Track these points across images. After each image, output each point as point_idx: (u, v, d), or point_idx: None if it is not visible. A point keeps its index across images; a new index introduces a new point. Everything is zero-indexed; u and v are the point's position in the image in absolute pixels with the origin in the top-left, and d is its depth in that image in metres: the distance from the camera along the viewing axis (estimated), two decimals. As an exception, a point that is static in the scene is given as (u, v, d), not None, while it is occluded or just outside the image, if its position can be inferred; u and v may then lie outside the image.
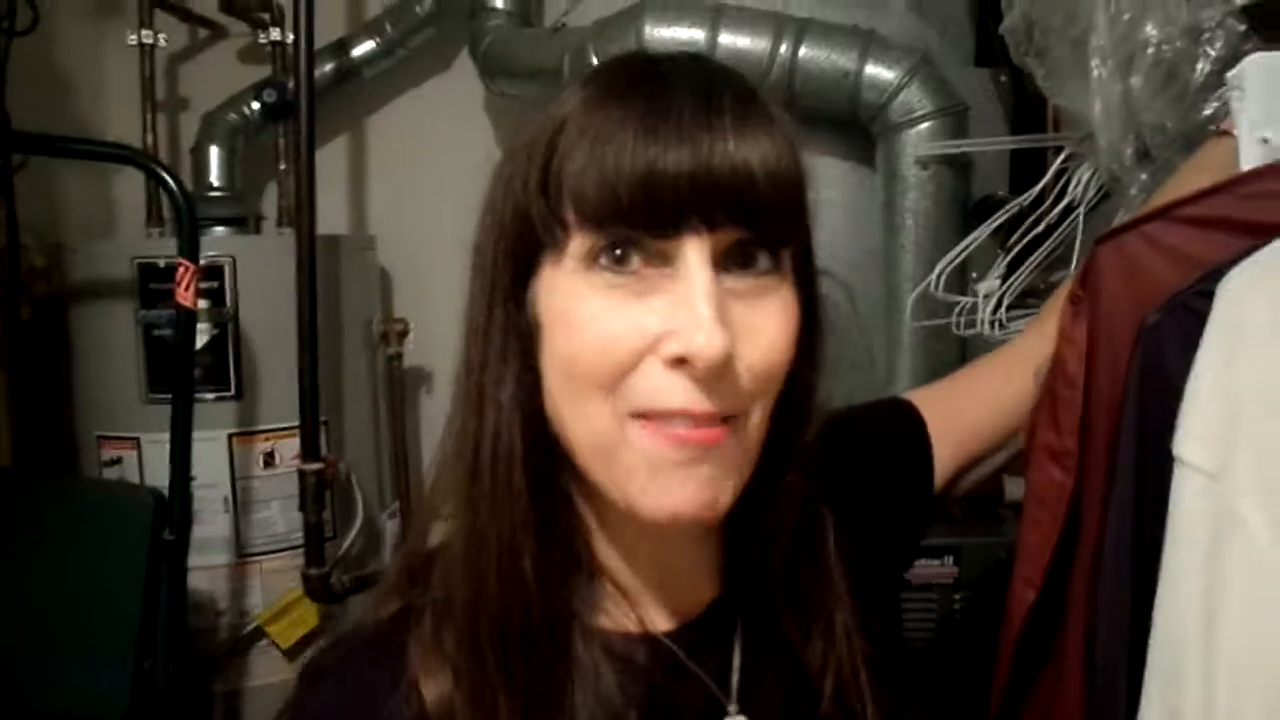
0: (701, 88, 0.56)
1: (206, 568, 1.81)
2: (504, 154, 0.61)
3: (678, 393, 0.54)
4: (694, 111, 0.54)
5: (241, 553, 1.84)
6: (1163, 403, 0.70)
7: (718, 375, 0.54)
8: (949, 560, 1.46)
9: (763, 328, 0.56)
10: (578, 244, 0.55)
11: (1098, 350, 0.75)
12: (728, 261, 0.56)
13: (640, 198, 0.53)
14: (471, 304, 0.61)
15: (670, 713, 0.62)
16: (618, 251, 0.55)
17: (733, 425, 0.56)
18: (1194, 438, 0.67)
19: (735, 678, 0.65)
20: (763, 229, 0.55)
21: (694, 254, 0.54)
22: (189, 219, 1.45)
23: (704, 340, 0.52)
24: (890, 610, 0.77)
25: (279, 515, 1.86)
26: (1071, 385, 0.74)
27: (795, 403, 0.61)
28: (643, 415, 0.55)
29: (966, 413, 0.83)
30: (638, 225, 0.54)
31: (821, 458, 0.66)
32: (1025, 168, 1.56)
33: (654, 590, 0.65)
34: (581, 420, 0.57)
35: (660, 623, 0.65)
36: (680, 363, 0.53)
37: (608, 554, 0.64)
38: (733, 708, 0.64)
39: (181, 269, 1.44)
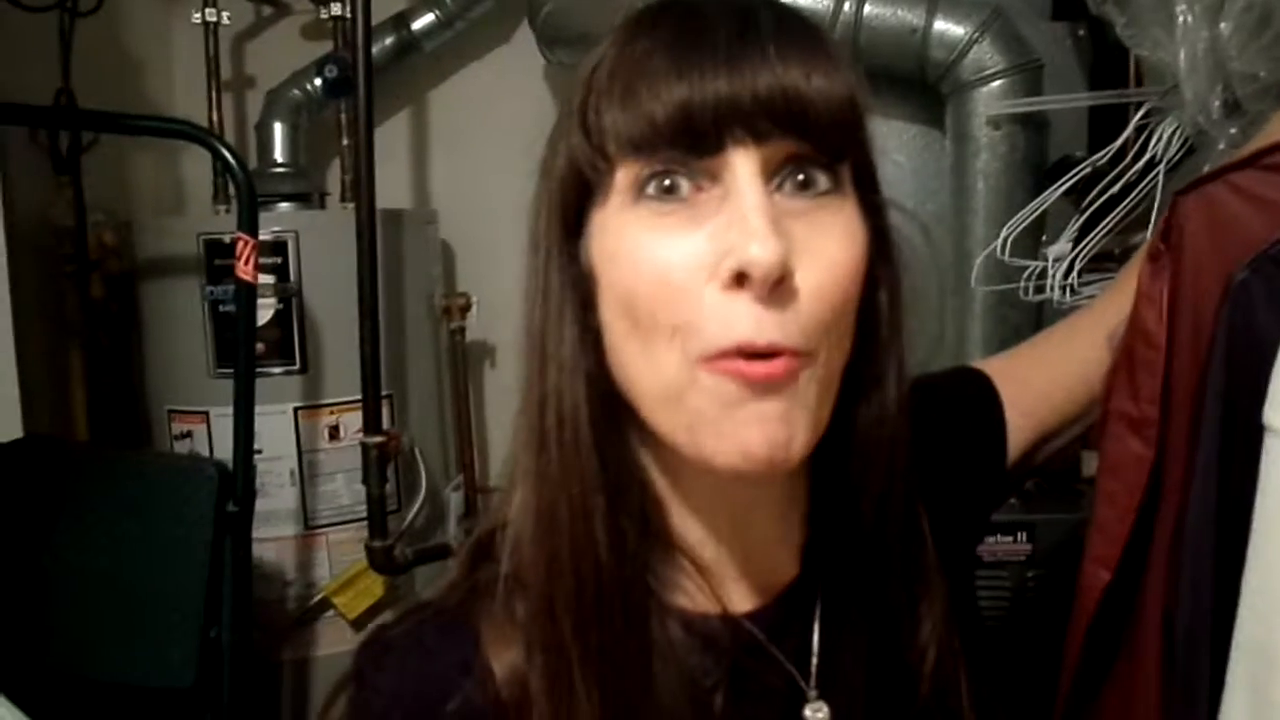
0: (736, 11, 0.54)
1: (274, 539, 1.84)
2: (559, 115, 0.60)
3: (742, 321, 0.51)
4: (729, 30, 0.53)
5: (308, 524, 1.87)
6: (1252, 367, 0.65)
7: (778, 292, 0.51)
8: (1022, 537, 1.42)
9: (824, 249, 0.53)
10: (622, 177, 0.54)
11: (1180, 311, 0.70)
12: (782, 180, 0.53)
13: (677, 115, 0.52)
14: (528, 268, 0.60)
15: (752, 696, 0.60)
16: (666, 182, 0.53)
17: (803, 361, 0.53)
18: (1287, 405, 0.62)
19: (815, 661, 0.62)
20: (814, 138, 0.53)
21: (742, 167, 0.52)
22: (248, 193, 1.46)
23: (758, 249, 0.50)
24: (967, 589, 0.74)
25: (344, 488, 1.88)
26: (1152, 346, 0.69)
27: (877, 347, 0.59)
28: (710, 358, 0.52)
29: (1037, 383, 0.79)
30: (678, 144, 0.52)
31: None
32: (1106, 126, 1.49)
33: (735, 567, 0.62)
34: (648, 366, 0.54)
35: (740, 602, 0.62)
36: (739, 281, 0.51)
37: (687, 527, 0.61)
38: (813, 693, 0.62)
39: (241, 243, 1.45)
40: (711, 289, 0.52)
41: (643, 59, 0.53)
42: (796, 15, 0.56)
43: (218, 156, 1.47)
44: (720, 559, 0.62)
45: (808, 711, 0.61)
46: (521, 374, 0.61)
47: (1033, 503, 1.48)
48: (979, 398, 0.76)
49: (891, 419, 0.60)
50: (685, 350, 0.53)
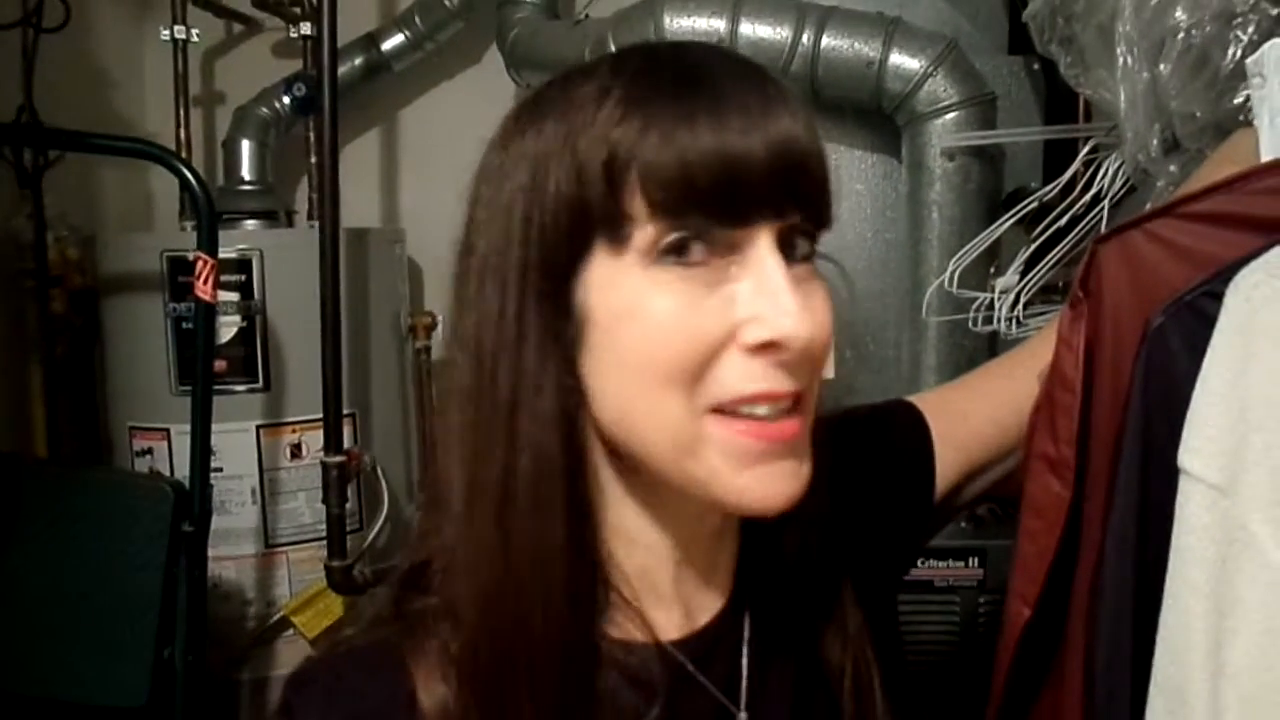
0: (747, 76, 0.55)
1: (234, 558, 1.83)
2: (505, 156, 0.58)
3: (758, 376, 0.54)
4: (755, 98, 0.54)
5: (269, 543, 1.86)
6: (1168, 411, 0.66)
7: (801, 360, 0.54)
8: (974, 562, 1.43)
9: (817, 310, 0.56)
10: (644, 236, 0.54)
11: (1099, 354, 0.71)
12: (786, 250, 0.55)
13: (719, 184, 0.53)
14: (484, 317, 0.57)
15: None
16: (686, 243, 0.54)
17: (802, 412, 0.56)
18: (1201, 449, 0.63)
19: (744, 685, 0.64)
20: (815, 212, 0.56)
21: (764, 241, 0.54)
22: (208, 212, 1.46)
23: (793, 325, 0.53)
24: (888, 615, 0.75)
25: (306, 506, 1.88)
26: (1069, 391, 0.70)
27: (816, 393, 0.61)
28: (719, 409, 0.54)
29: (971, 417, 0.80)
30: (713, 213, 0.53)
31: (824, 457, 0.64)
32: (1061, 159, 1.51)
33: (669, 596, 0.63)
34: (657, 419, 0.55)
35: (670, 630, 0.63)
36: (764, 349, 0.53)
37: (630, 558, 0.62)
38: (743, 716, 0.63)
39: (200, 262, 1.45)
40: (731, 351, 0.54)
41: (682, 118, 0.53)
42: (776, 77, 0.57)
43: (178, 175, 1.47)
44: (658, 589, 0.63)
45: None
46: (469, 413, 0.58)
47: (985, 528, 1.50)
48: (908, 430, 0.77)
49: (817, 448, 0.62)
50: (694, 403, 0.54)
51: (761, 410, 0.55)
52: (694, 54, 0.57)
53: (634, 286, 0.54)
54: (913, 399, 0.81)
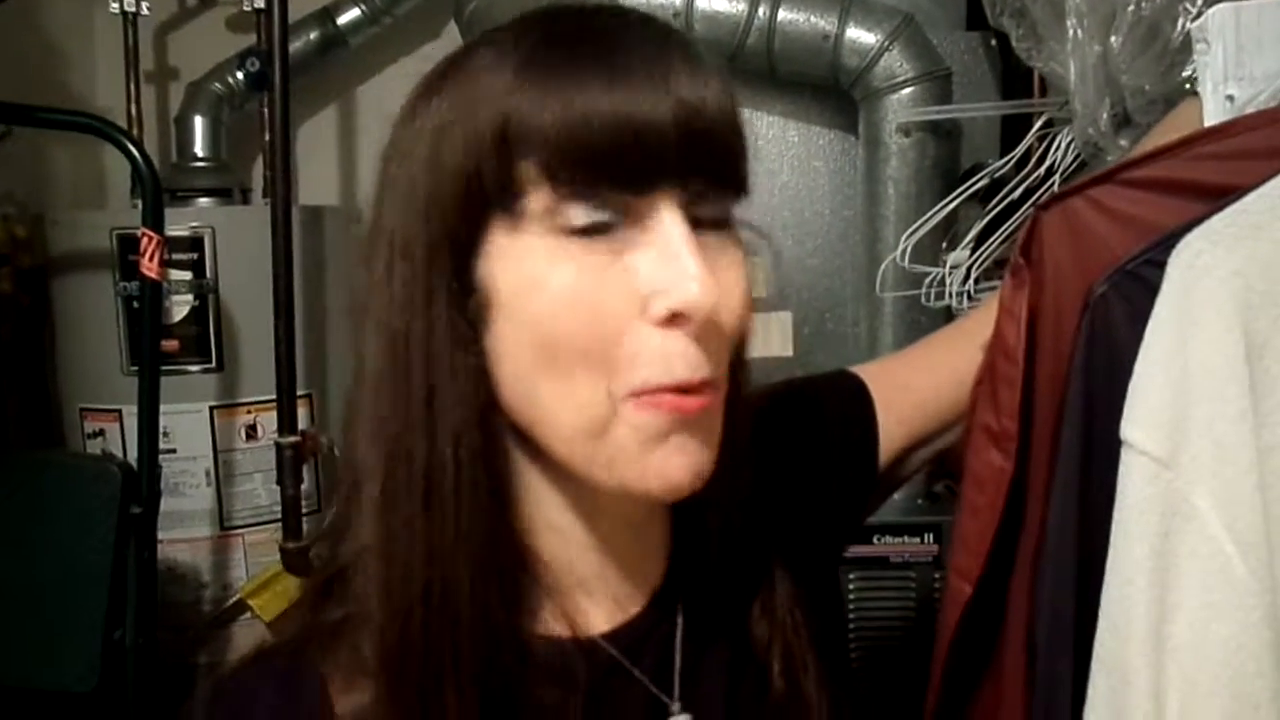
0: (648, 34, 0.54)
1: (189, 540, 1.81)
2: (409, 131, 0.56)
3: (679, 360, 0.52)
4: (655, 61, 0.52)
5: (224, 525, 1.84)
6: (1111, 381, 0.65)
7: (709, 330, 0.53)
8: (929, 538, 1.44)
9: (728, 282, 0.55)
10: (542, 206, 0.52)
11: (1042, 324, 0.70)
12: (694, 217, 0.54)
13: (616, 148, 0.51)
14: (394, 299, 0.55)
15: (612, 717, 0.60)
16: (593, 215, 0.52)
17: (713, 388, 0.54)
18: (1142, 420, 0.62)
19: (677, 674, 0.62)
20: (725, 177, 0.54)
21: (668, 208, 0.52)
22: (152, 188, 1.43)
23: (698, 292, 0.51)
24: (827, 588, 0.74)
25: (262, 488, 1.86)
26: (1011, 361, 0.69)
27: (737, 370, 0.59)
28: (640, 394, 0.52)
29: (913, 387, 0.79)
30: (611, 179, 0.51)
31: (761, 429, 0.64)
32: (1018, 135, 1.50)
33: (598, 588, 0.62)
34: (568, 401, 0.53)
35: (599, 623, 0.62)
36: (672, 320, 0.52)
37: (555, 550, 0.60)
38: (676, 706, 0.62)
39: (145, 239, 1.42)
40: (641, 325, 0.52)
41: (579, 81, 0.51)
42: (688, 39, 0.56)
43: (120, 148, 1.44)
44: (584, 581, 0.61)
45: None
46: (383, 399, 0.56)
47: (940, 504, 1.50)
48: (850, 400, 0.77)
49: (744, 427, 0.61)
50: (611, 387, 0.53)
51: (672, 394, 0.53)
52: (597, 18, 0.55)
53: (535, 259, 0.53)
54: (855, 369, 0.80)
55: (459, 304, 0.54)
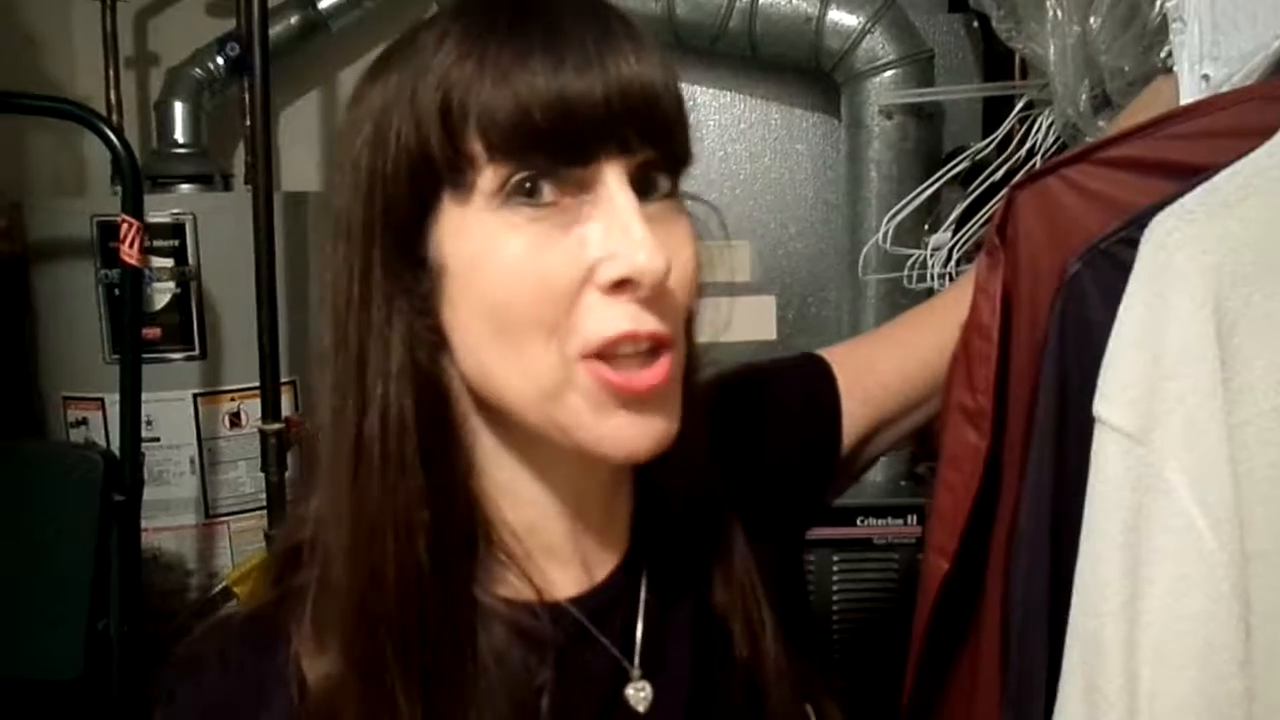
0: (589, 12, 0.54)
1: (174, 528, 1.80)
2: (357, 113, 0.57)
3: (625, 316, 0.53)
4: (595, 35, 0.53)
5: (209, 513, 1.83)
6: (1085, 359, 0.66)
7: (658, 296, 0.54)
8: (912, 519, 1.44)
9: (678, 249, 0.56)
10: (488, 179, 0.53)
11: (1017, 302, 0.71)
12: (640, 186, 0.55)
13: (557, 124, 0.52)
14: (339, 275, 0.57)
15: (575, 682, 0.60)
16: (532, 184, 0.53)
17: (670, 357, 0.55)
18: (1115, 397, 0.62)
19: (639, 641, 0.63)
20: (669, 148, 0.56)
21: (613, 178, 0.54)
22: (131, 174, 1.42)
23: (646, 258, 0.52)
24: (790, 566, 0.75)
25: (247, 476, 1.85)
26: (986, 339, 0.70)
27: (690, 338, 0.60)
28: (589, 355, 0.53)
29: (878, 368, 0.80)
30: (554, 153, 0.52)
31: (721, 409, 0.66)
32: (1000, 118, 1.51)
33: (563, 552, 0.63)
34: (519, 368, 0.54)
35: (565, 588, 0.62)
36: (620, 287, 0.53)
37: (518, 515, 0.61)
38: (636, 673, 0.62)
39: (125, 225, 1.41)
40: (590, 291, 0.53)
41: (518, 57, 0.52)
42: (628, 17, 0.56)
43: (97, 133, 1.43)
44: (549, 545, 0.62)
45: (630, 690, 0.62)
46: (329, 375, 0.58)
47: (923, 486, 1.51)
48: (813, 382, 0.78)
49: (695, 402, 0.62)
50: (563, 349, 0.54)
51: (626, 349, 0.54)
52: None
53: (484, 232, 0.54)
54: (821, 352, 0.81)
55: (400, 279, 0.56)
